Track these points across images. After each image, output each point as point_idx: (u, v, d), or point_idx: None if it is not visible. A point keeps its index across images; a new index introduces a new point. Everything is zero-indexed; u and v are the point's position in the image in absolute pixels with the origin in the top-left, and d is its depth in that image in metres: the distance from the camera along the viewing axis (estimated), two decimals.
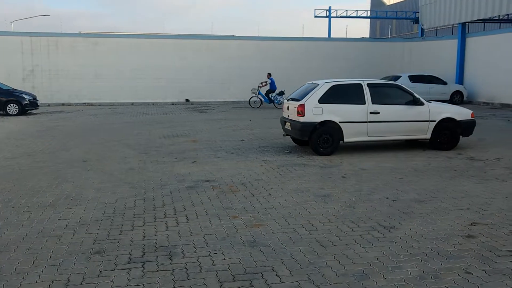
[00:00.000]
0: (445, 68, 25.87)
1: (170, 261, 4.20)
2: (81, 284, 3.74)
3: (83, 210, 5.75)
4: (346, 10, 33.50)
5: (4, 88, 19.36)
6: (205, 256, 4.31)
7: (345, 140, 9.55)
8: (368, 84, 9.68)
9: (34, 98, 19.94)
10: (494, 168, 8.17)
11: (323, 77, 16.42)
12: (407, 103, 9.82)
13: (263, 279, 3.82)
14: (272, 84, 22.31)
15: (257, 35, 32.73)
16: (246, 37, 28.82)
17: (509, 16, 25.06)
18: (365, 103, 9.49)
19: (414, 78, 23.31)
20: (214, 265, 4.11)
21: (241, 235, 4.87)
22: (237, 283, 3.75)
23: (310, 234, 4.89)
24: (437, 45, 27.45)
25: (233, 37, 30.21)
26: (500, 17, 24.63)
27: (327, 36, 32.99)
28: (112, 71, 25.41)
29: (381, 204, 6.00)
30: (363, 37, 33.75)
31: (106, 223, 5.27)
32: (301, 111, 9.38)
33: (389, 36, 40.76)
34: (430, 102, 10.15)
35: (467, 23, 25.30)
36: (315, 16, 33.50)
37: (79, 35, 28.84)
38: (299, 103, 9.51)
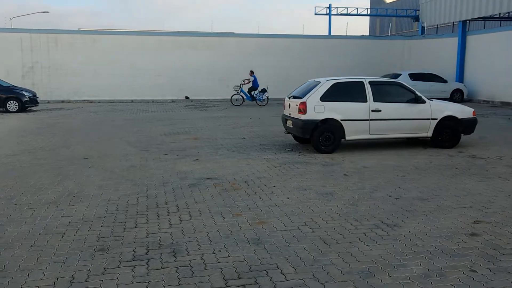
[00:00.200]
0: (445, 66, 25.87)
1: (175, 258, 4.19)
2: (86, 281, 3.73)
3: (85, 207, 5.74)
4: (347, 8, 33.59)
5: (4, 85, 19.31)
6: (209, 253, 4.30)
7: (347, 138, 9.54)
8: (370, 82, 9.67)
9: (34, 95, 19.89)
10: (496, 166, 8.17)
11: (323, 74, 16.42)
12: (408, 101, 9.81)
13: (268, 277, 3.82)
14: (255, 82, 22.36)
15: (257, 33, 32.68)
16: (246, 34, 28.76)
17: (510, 14, 25.02)
18: (366, 101, 9.48)
19: (415, 76, 23.31)
20: (218, 262, 4.11)
21: (245, 232, 4.86)
22: (242, 281, 3.75)
23: (314, 232, 4.89)
24: (438, 43, 27.44)
25: (232, 34, 30.17)
26: (501, 15, 24.60)
27: (327, 33, 32.96)
28: (111, 68, 25.36)
29: (384, 202, 6.00)
30: (363, 35, 33.69)
31: (109, 220, 5.26)
32: (302, 109, 9.37)
33: (389, 34, 40.70)
34: (432, 100, 10.15)
35: (467, 21, 25.29)
36: (316, 14, 33.47)
37: (79, 32, 28.74)
38: (300, 100, 9.50)
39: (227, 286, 3.65)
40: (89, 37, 26.05)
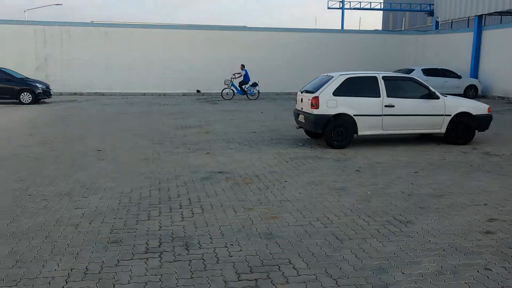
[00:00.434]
0: (460, 61, 25.54)
1: (187, 251, 4.21)
2: (99, 273, 3.77)
3: (98, 199, 5.79)
4: (360, 2, 33.14)
5: (18, 76, 19.49)
6: (222, 247, 4.31)
7: (359, 133, 9.48)
8: (383, 77, 9.59)
9: (47, 87, 20.07)
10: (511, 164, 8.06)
11: (335, 69, 16.33)
12: (422, 97, 9.71)
13: (280, 272, 3.82)
14: (246, 76, 22.35)
15: (269, 26, 32.56)
16: (258, 28, 28.65)
17: None
18: (380, 96, 9.41)
19: (428, 72, 23.05)
20: (231, 256, 4.12)
21: (257, 227, 4.86)
22: (254, 275, 3.75)
23: (326, 227, 4.87)
24: (452, 38, 27.08)
25: (244, 28, 30.09)
26: None
27: (339, 28, 32.71)
28: (123, 61, 25.47)
29: (397, 198, 5.96)
30: (376, 29, 33.39)
31: (122, 212, 5.30)
32: (315, 104, 9.33)
33: (402, 29, 40.28)
34: (446, 96, 10.03)
35: (483, 16, 24.90)
36: (328, 8, 33.23)
37: (91, 24, 28.86)
38: (313, 95, 9.45)
39: (239, 280, 3.66)
40: (102, 30, 26.15)
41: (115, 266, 3.90)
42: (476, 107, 10.10)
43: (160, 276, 3.72)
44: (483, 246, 4.38)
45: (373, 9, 33.84)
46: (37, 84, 19.44)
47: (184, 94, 25.66)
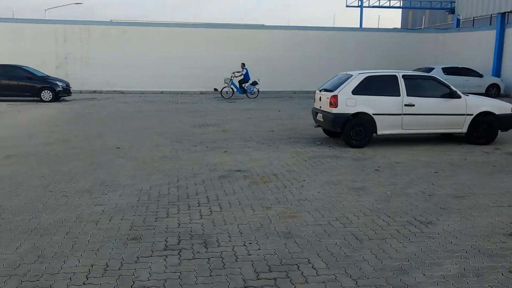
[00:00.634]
0: (482, 60, 25.06)
1: (206, 249, 4.21)
2: (119, 269, 3.80)
3: (118, 196, 5.84)
4: (379, 0, 32.80)
5: (39, 75, 19.83)
6: (240, 245, 4.31)
7: (378, 132, 9.38)
8: (403, 76, 9.46)
9: (67, 85, 20.36)
10: None
11: (353, 67, 16.17)
12: (443, 96, 9.55)
13: (299, 271, 3.79)
14: (246, 75, 22.26)
15: (287, 25, 32.45)
16: (276, 26, 28.58)
17: None
18: (399, 95, 9.28)
19: (448, 70, 22.65)
20: (249, 255, 4.10)
21: (275, 226, 4.84)
22: (273, 274, 3.73)
23: (345, 227, 4.82)
24: (474, 36, 26.59)
25: (262, 27, 30.03)
26: None
27: (358, 26, 32.42)
28: (142, 60, 25.67)
29: (417, 198, 5.87)
30: (395, 28, 33.01)
31: (141, 209, 5.33)
32: (334, 102, 9.25)
33: (422, 27, 39.71)
34: (467, 95, 9.85)
35: (506, 13, 24.38)
36: (347, 6, 32.95)
37: (111, 23, 29.20)
38: (332, 94, 9.38)
39: (258, 279, 3.65)
40: (121, 29, 26.43)
41: (135, 262, 3.92)
42: (499, 106, 9.89)
43: (179, 273, 3.73)
44: (507, 248, 4.28)
45: (392, 7, 33.43)
46: (57, 82, 19.73)
47: (201, 93, 25.75)
